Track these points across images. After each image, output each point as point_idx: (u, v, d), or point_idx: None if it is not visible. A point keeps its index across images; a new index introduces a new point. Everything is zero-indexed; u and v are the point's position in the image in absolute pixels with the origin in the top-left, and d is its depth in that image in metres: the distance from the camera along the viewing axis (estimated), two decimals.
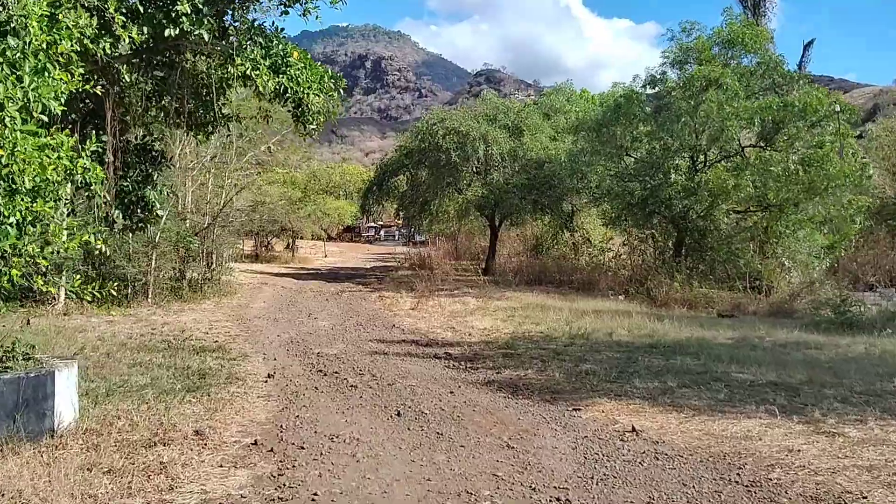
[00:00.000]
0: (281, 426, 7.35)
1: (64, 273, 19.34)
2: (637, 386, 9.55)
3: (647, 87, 26.74)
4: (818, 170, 21.90)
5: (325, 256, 51.35)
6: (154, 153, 7.53)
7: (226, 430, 7.08)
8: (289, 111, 7.65)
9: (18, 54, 5.11)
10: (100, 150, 7.11)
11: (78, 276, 17.00)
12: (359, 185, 65.47)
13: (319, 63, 7.75)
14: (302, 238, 51.21)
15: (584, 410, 8.26)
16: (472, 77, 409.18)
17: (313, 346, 13.45)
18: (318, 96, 7.37)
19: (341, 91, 7.73)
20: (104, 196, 7.12)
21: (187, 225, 22.76)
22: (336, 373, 10.56)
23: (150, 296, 20.09)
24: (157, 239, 20.27)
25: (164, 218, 20.49)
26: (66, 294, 18.92)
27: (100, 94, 6.76)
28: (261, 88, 6.93)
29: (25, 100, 5.05)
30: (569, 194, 30.41)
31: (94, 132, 7.20)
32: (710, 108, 22.21)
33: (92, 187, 7.01)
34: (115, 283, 20.20)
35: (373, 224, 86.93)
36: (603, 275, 27.48)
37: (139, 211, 7.47)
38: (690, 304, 22.28)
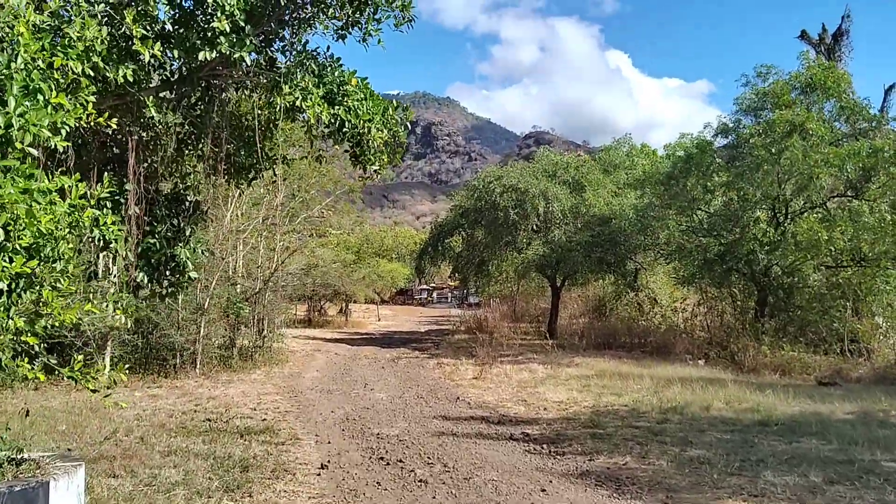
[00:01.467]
0: None
1: (109, 344, 18.48)
2: (772, 482, 7.69)
3: (720, 136, 25.10)
4: None
5: (379, 320, 50.11)
6: (187, 204, 6.29)
7: None
8: (346, 151, 6.36)
9: (3, 70, 3.90)
10: (120, 200, 5.89)
11: (120, 348, 15.91)
12: (411, 247, 64.78)
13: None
14: (355, 301, 50.18)
15: None
16: (521, 140, 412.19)
17: (371, 424, 11.91)
18: (381, 131, 6.07)
19: (408, 125, 6.42)
20: (125, 255, 5.87)
21: (237, 290, 21.75)
22: (400, 461, 8.98)
23: (198, 365, 18.92)
24: (206, 305, 19.24)
25: (214, 283, 19.56)
26: (110, 366, 17.97)
27: (119, 131, 5.59)
28: (312, 119, 5.66)
29: (8, 128, 3.79)
30: (635, 251, 28.57)
31: (113, 179, 6.01)
32: (795, 155, 20.42)
33: (111, 245, 5.79)
34: (151, 355, 19.26)
35: (425, 287, 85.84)
36: (678, 338, 25.36)
37: (168, 273, 6.18)
38: (782, 369, 20.07)
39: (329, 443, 10.28)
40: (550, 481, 8.01)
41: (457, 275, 36.86)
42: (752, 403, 13.52)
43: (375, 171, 6.43)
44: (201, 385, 17.05)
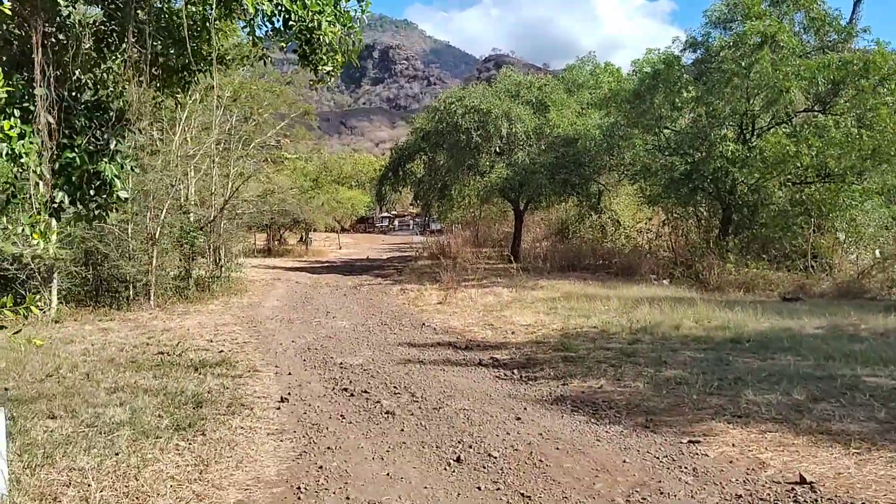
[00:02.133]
0: (298, 488, 5.29)
1: (55, 276, 17.50)
2: (754, 401, 7.40)
3: (688, 50, 24.43)
4: (884, 133, 19.56)
5: (340, 248, 49.37)
6: (110, 114, 5.45)
7: (219, 498, 5.04)
8: (295, 51, 5.55)
9: None
10: (30, 107, 5.07)
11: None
12: (371, 174, 63.51)
13: None
14: (315, 231, 49.22)
15: (705, 444, 6.15)
16: (481, 63, 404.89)
17: (334, 353, 11.40)
18: (334, 24, 5.26)
19: (364, 19, 5.61)
20: (39, 172, 5.09)
21: (191, 218, 20.77)
22: (365, 392, 8.49)
23: (152, 297, 18.13)
24: (157, 234, 18.31)
25: (164, 212, 18.55)
26: (58, 299, 17.05)
27: (24, 25, 4.72)
28: (250, 8, 4.83)
29: None
30: (600, 172, 28.08)
31: (21, 82, 5.15)
32: (765, 68, 19.86)
33: (22, 160, 4.98)
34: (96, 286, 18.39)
35: (387, 214, 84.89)
36: (643, 258, 25.24)
37: (92, 192, 5.39)
38: (747, 286, 20.08)
39: (289, 374, 9.75)
40: (525, 408, 7.61)
41: (418, 201, 36.04)
42: (722, 321, 13.36)
43: (328, 73, 5.63)
44: (155, 317, 16.33)
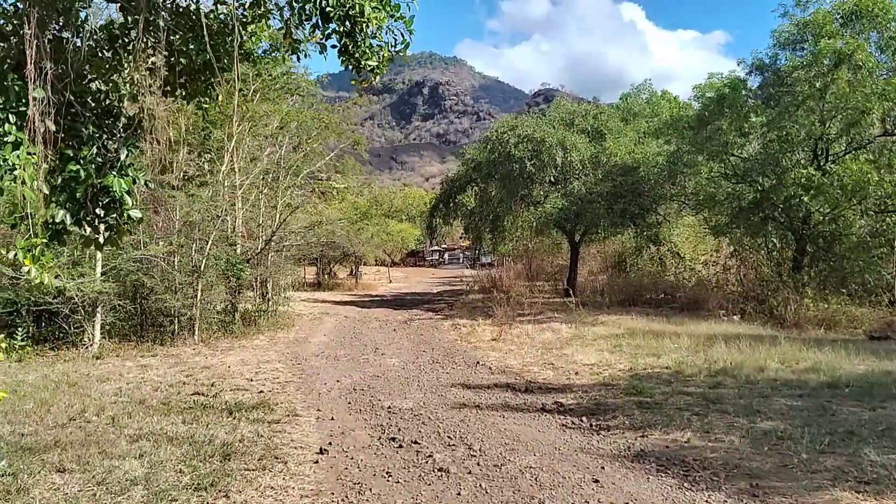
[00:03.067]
0: None
1: (98, 310, 17.06)
2: (879, 463, 6.15)
3: (753, 73, 23.14)
4: None
5: (390, 282, 48.72)
6: (123, 120, 4.67)
7: None
8: (334, 46, 4.71)
9: None
10: (24, 111, 4.31)
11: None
12: (421, 208, 63.15)
13: None
14: (365, 264, 48.74)
15: None
16: (531, 97, 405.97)
17: (382, 395, 10.43)
18: (379, 11, 4.41)
19: (416, 5, 4.73)
20: (37, 187, 4.32)
21: (237, 250, 20.25)
22: (415, 443, 7.48)
23: (196, 332, 17.54)
24: (202, 267, 17.77)
25: (209, 244, 18.03)
26: (101, 333, 16.57)
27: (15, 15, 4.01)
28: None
29: None
30: (660, 202, 26.75)
31: (16, 83, 4.42)
32: (843, 88, 18.48)
33: (15, 172, 4.23)
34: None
35: (437, 248, 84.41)
36: (710, 292, 23.72)
37: (99, 211, 4.59)
38: (828, 323, 18.49)
39: (332, 419, 8.81)
40: (602, 467, 6.49)
41: (469, 233, 35.13)
42: (811, 362, 11.99)
43: (372, 70, 4.78)
44: (199, 353, 15.69)
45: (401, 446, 7.38)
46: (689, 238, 31.32)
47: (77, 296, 15.70)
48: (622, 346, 15.17)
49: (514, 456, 6.87)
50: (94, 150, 4.60)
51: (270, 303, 22.19)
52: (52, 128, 4.45)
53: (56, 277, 15.44)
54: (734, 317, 20.90)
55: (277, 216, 21.30)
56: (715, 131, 22.32)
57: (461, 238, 79.99)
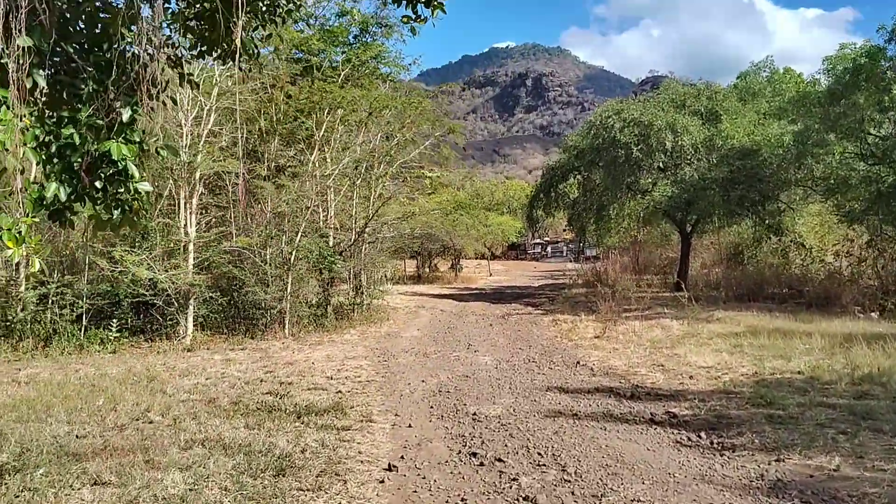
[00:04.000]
0: None
1: (191, 302, 16.96)
2: None
3: (894, 41, 20.43)
4: None
5: (490, 275, 47.72)
6: (129, 75, 3.85)
7: None
8: None
9: None
10: (5, 63, 3.53)
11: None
12: (522, 200, 61.70)
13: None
14: (465, 257, 47.91)
15: None
16: (637, 86, 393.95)
17: (468, 399, 9.40)
18: None
19: None
20: (22, 155, 3.53)
21: (329, 242, 19.77)
22: (499, 461, 6.39)
23: (286, 326, 17.15)
24: (291, 259, 17.35)
25: (299, 235, 17.59)
26: (194, 326, 16.42)
27: None
28: None
29: None
30: (785, 188, 24.30)
31: None
32: None
33: None
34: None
35: (539, 241, 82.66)
36: (843, 287, 21.26)
37: (100, 183, 3.79)
38: None
39: (409, 426, 7.85)
40: None
41: (573, 224, 33.48)
42: None
43: (435, 4, 3.75)
44: (286, 347, 15.23)
45: (482, 464, 6.31)
46: (816, 228, 28.55)
47: (170, 288, 15.57)
48: (743, 347, 13.51)
49: (617, 483, 5.66)
50: (92, 111, 3.76)
51: (364, 296, 21.64)
52: (42, 84, 3.65)
53: (148, 269, 15.40)
54: (872, 314, 18.55)
55: (370, 207, 20.68)
56: (850, 107, 19.92)
57: (564, 230, 77.96)
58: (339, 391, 9.86)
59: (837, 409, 8.09)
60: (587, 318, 19.81)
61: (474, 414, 8.43)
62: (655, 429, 7.61)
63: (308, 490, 5.44)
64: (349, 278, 21.40)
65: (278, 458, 6.17)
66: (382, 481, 5.83)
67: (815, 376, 10.23)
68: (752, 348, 13.25)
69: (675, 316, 19.36)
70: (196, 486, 5.35)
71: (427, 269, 44.63)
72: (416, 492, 5.59)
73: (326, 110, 17.99)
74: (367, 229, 20.88)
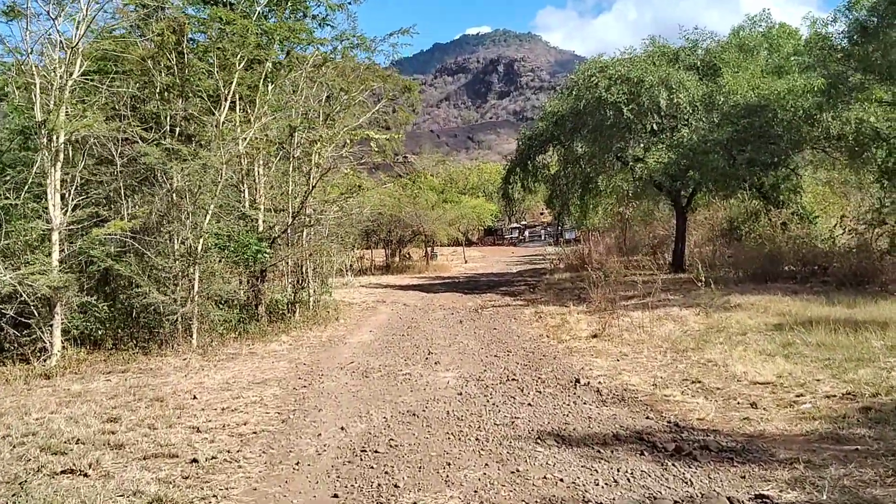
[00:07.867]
0: None
1: (58, 311, 12.74)
2: None
3: None
4: None
5: (465, 262, 43.89)
6: None
7: None
8: None
9: None
10: None
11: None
12: (499, 183, 57.95)
13: None
14: (438, 244, 43.94)
15: None
16: None
17: (405, 472, 5.52)
18: None
19: None
20: None
21: (259, 228, 15.75)
22: None
23: (194, 336, 13.15)
24: (199, 249, 13.35)
25: (207, 219, 13.55)
26: (61, 342, 12.33)
27: None
28: None
29: None
30: (801, 147, 20.67)
31: None
32: None
33: None
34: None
35: (516, 225, 79.07)
36: (879, 262, 17.67)
37: None
38: None
39: None
40: None
41: (553, 204, 29.49)
42: None
43: None
44: (186, 366, 11.33)
45: None
46: (824, 196, 25.18)
47: (25, 292, 11.41)
48: (797, 346, 9.85)
49: None
50: None
51: (308, 292, 17.70)
52: None
53: None
54: None
55: (309, 182, 16.68)
56: (880, 45, 16.32)
57: (542, 214, 74.31)
58: (195, 459, 5.92)
59: None
60: (577, 309, 16.13)
61: None
62: None
63: None
64: (286, 271, 17.44)
65: None
66: None
67: None
68: (811, 349, 9.60)
69: (684, 303, 15.77)
70: None
71: (397, 259, 40.67)
72: None
73: (239, 57, 13.95)
74: (304, 210, 16.87)
